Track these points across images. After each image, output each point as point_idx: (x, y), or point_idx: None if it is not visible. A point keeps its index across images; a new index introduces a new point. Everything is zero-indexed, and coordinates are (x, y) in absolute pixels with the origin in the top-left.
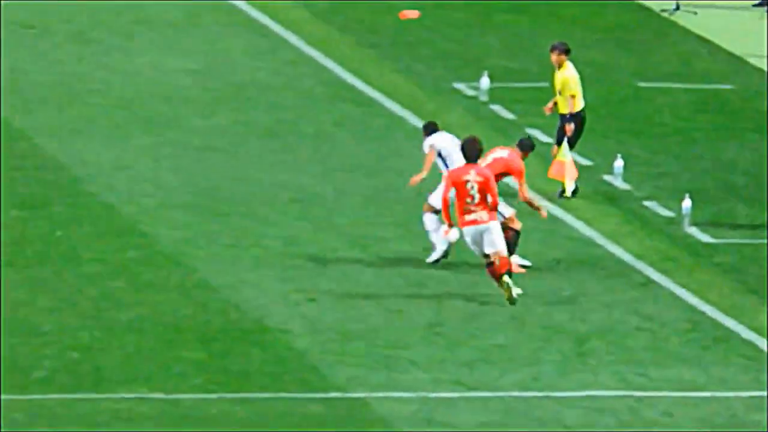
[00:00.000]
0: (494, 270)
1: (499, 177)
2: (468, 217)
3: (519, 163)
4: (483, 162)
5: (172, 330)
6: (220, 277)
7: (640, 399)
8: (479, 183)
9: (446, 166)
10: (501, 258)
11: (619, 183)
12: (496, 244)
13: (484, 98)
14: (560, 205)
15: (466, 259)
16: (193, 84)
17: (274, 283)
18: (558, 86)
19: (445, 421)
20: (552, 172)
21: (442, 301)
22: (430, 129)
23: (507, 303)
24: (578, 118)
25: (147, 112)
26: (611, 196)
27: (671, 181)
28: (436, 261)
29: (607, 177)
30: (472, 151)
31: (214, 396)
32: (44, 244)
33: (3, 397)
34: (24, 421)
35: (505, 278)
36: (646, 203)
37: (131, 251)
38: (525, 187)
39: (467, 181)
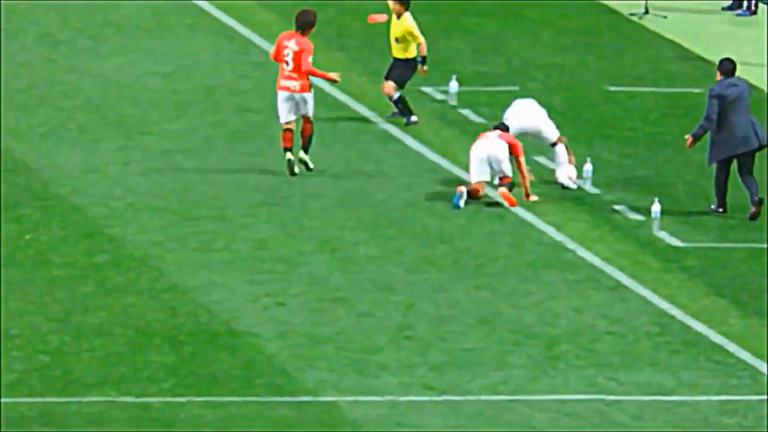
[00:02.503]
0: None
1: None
2: (283, 82)
3: (513, 138)
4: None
5: (142, 333)
6: (190, 280)
7: (609, 403)
8: (294, 52)
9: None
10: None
11: (589, 187)
12: (306, 110)
13: (453, 102)
14: (530, 210)
15: (435, 263)
16: (162, 87)
17: (243, 286)
18: (396, 35)
19: (414, 425)
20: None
21: (412, 304)
22: None
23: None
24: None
25: (116, 115)
26: (581, 200)
27: (641, 185)
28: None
29: (576, 181)
30: (300, 20)
31: (183, 399)
32: (13, 247)
33: None
34: None
35: (302, 154)
36: (616, 207)
37: (100, 255)
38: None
39: (285, 47)
